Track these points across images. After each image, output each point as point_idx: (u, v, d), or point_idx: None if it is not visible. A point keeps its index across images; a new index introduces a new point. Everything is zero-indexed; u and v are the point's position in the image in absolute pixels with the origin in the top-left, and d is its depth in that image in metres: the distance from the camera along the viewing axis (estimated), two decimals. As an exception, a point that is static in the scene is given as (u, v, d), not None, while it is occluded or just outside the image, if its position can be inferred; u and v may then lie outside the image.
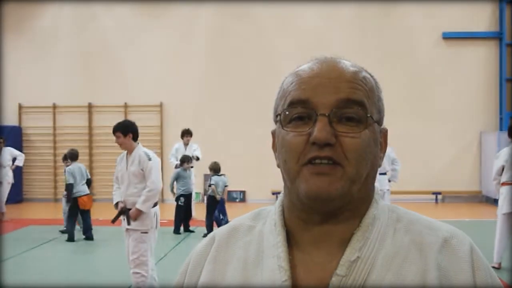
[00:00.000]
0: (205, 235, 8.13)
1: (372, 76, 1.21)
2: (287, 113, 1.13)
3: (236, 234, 1.24)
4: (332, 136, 1.08)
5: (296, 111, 1.12)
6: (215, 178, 10.37)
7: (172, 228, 10.96)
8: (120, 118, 14.80)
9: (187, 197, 11.03)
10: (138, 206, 6.19)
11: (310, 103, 1.11)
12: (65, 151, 16.03)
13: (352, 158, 1.09)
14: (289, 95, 1.14)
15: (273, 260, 1.15)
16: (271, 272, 1.14)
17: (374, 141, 1.15)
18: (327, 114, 1.09)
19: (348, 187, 1.10)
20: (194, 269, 1.25)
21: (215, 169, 10.48)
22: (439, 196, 15.80)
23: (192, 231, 10.95)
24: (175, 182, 11.15)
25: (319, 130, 1.08)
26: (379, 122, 1.18)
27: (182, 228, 11.00)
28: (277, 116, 1.17)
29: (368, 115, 1.12)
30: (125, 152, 6.42)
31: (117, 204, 6.39)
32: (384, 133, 1.21)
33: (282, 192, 1.23)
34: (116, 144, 6.40)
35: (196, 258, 1.26)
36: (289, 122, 1.13)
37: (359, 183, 1.12)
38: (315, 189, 1.09)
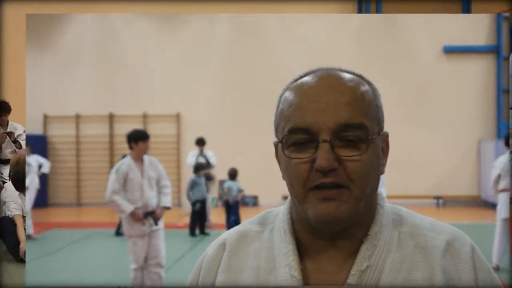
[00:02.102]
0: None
1: (370, 85, 1.20)
2: (288, 138, 1.14)
3: (245, 240, 1.26)
4: (335, 162, 1.09)
5: (297, 137, 1.12)
6: (228, 183, 10.70)
7: (188, 230, 11.27)
8: (139, 127, 15.25)
9: (203, 202, 11.24)
10: (168, 204, 6.35)
11: (311, 131, 1.11)
12: (88, 158, 16.66)
13: (356, 180, 1.10)
14: (289, 121, 1.14)
15: (286, 269, 1.15)
16: (284, 281, 1.15)
17: (376, 156, 1.15)
18: (328, 140, 1.09)
19: (355, 207, 1.11)
20: (207, 275, 1.26)
21: (231, 174, 10.76)
22: (441, 200, 15.91)
23: (208, 234, 11.15)
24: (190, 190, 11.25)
25: (322, 158, 1.08)
26: (380, 131, 1.17)
27: (197, 231, 11.24)
28: (278, 141, 1.18)
29: (370, 137, 1.12)
30: (126, 161, 6.27)
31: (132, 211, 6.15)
32: (386, 138, 1.21)
33: (289, 198, 1.23)
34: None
35: (208, 264, 1.27)
36: (291, 146, 1.13)
37: (364, 199, 1.13)
38: (323, 214, 1.10)
